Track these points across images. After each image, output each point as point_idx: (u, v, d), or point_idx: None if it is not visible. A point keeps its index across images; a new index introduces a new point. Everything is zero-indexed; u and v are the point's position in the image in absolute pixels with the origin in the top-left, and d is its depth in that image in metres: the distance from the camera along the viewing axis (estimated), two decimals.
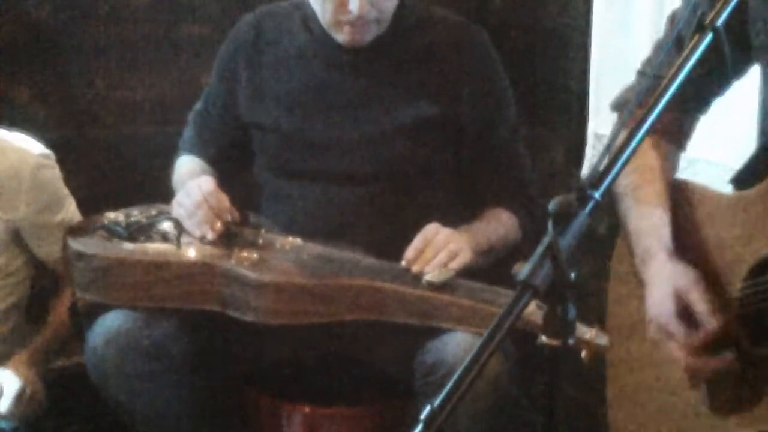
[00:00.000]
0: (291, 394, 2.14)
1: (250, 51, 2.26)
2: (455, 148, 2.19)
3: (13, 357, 2.17)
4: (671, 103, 1.38)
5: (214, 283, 1.99)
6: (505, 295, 1.84)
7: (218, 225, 2.08)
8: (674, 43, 1.62)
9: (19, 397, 2.07)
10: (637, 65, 2.28)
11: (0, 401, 2.06)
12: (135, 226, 2.14)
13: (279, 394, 2.15)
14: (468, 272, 2.02)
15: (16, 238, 2.24)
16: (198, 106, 2.40)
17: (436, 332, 1.95)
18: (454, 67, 2.18)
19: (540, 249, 1.14)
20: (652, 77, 1.68)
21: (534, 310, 1.50)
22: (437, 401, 1.10)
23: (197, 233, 2.09)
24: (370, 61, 2.16)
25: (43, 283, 2.33)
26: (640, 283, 1.66)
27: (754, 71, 2.17)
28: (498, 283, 1.96)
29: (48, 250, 2.25)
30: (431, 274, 1.97)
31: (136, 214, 2.20)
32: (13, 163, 2.20)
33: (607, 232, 2.61)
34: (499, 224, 2.19)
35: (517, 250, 2.19)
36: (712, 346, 1.53)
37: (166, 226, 2.13)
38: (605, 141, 2.46)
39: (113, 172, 2.57)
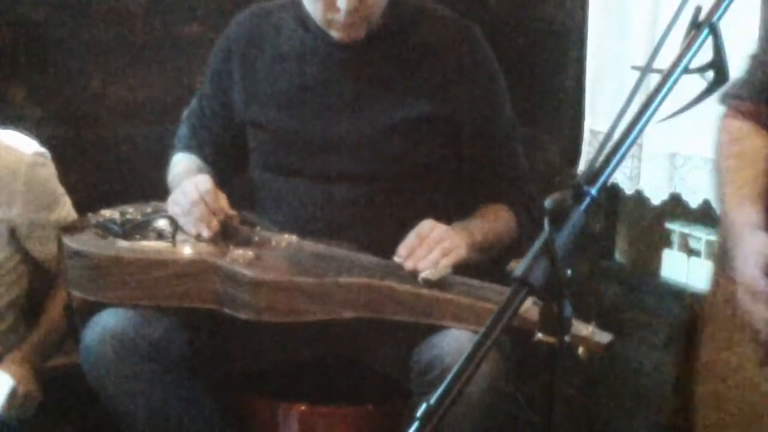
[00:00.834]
0: (287, 394, 2.14)
1: (244, 49, 2.26)
2: (452, 145, 2.19)
3: (6, 356, 2.17)
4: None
5: (209, 281, 1.99)
6: (502, 293, 1.83)
7: (215, 223, 2.08)
8: None
9: (12, 396, 2.07)
10: (633, 62, 2.29)
11: None
12: (130, 224, 2.14)
13: (275, 393, 2.15)
14: (464, 269, 2.02)
15: (12, 236, 2.24)
16: (193, 104, 2.39)
17: (432, 330, 1.95)
18: (450, 63, 2.18)
19: (536, 246, 1.14)
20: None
21: (530, 308, 1.50)
22: (433, 399, 1.10)
23: (193, 231, 2.09)
24: (366, 59, 2.16)
25: (39, 282, 2.33)
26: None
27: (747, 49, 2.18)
28: (494, 281, 1.96)
29: (43, 249, 2.25)
30: (427, 272, 1.96)
31: (132, 212, 2.20)
32: (8, 161, 2.19)
33: (603, 228, 2.62)
34: (496, 221, 2.19)
35: (514, 248, 2.19)
36: None
37: (162, 223, 2.13)
38: (601, 138, 2.47)
39: (109, 170, 2.57)
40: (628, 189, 2.46)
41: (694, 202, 2.34)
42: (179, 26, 2.73)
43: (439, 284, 1.95)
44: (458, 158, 2.22)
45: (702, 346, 1.81)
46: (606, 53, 2.44)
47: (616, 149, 1.21)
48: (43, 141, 2.28)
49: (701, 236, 2.39)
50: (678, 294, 2.43)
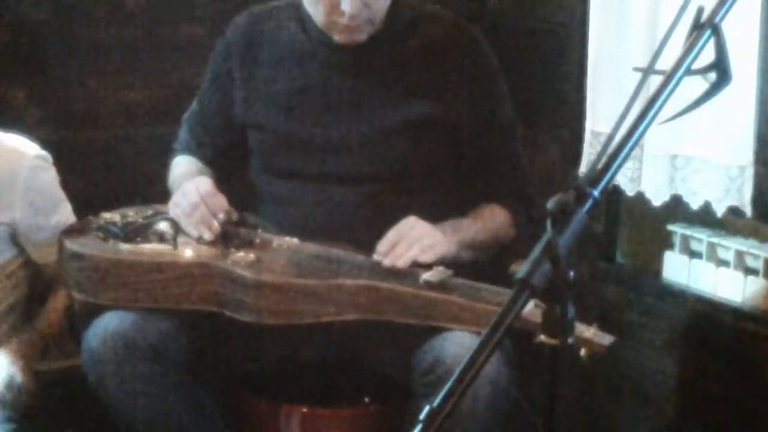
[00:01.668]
0: (289, 395, 2.14)
1: (244, 51, 2.26)
2: (452, 146, 2.20)
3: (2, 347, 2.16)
4: None
5: (210, 283, 1.99)
6: (504, 294, 1.83)
7: (215, 225, 2.08)
8: None
9: (9, 384, 2.06)
10: (634, 63, 2.29)
11: None
12: (131, 227, 2.14)
13: (277, 394, 2.15)
14: (464, 270, 2.02)
15: (13, 240, 2.24)
16: (193, 106, 2.40)
17: (434, 332, 1.95)
18: (450, 65, 2.18)
19: (538, 248, 1.15)
20: None
21: (532, 309, 1.50)
22: (436, 401, 1.11)
23: (194, 233, 2.09)
24: (366, 61, 2.16)
25: (39, 286, 2.33)
26: None
27: (750, 73, 2.18)
28: (496, 282, 1.96)
29: (43, 252, 2.25)
30: (429, 273, 1.97)
31: (132, 214, 2.20)
32: (9, 164, 2.20)
33: (605, 230, 2.62)
34: (489, 220, 2.19)
35: (514, 248, 2.19)
36: None
37: (163, 226, 2.13)
38: (602, 139, 2.47)
39: (109, 173, 2.58)
40: (630, 190, 2.46)
41: (695, 203, 2.34)
42: (179, 27, 2.73)
43: (440, 286, 1.95)
44: (458, 159, 2.22)
45: None
46: (607, 54, 2.44)
47: (618, 151, 1.21)
48: (44, 143, 2.29)
49: (703, 238, 2.39)
50: (679, 296, 2.42)
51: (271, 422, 2.16)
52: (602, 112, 2.48)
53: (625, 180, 2.45)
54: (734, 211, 2.29)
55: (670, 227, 2.47)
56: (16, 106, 2.59)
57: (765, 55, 2.20)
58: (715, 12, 1.27)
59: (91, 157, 2.60)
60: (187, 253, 2.06)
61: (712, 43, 1.27)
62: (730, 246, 2.34)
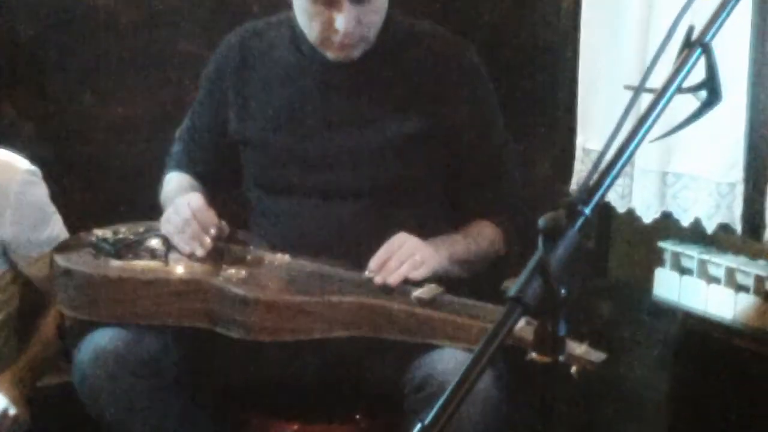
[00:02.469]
0: (280, 411, 2.14)
1: (237, 67, 2.26)
2: (444, 162, 2.20)
3: None
4: None
5: (202, 300, 1.99)
6: (496, 312, 1.83)
7: (207, 241, 2.08)
8: None
9: (3, 418, 2.06)
10: (624, 81, 2.29)
11: None
12: (122, 243, 2.14)
13: (268, 411, 2.14)
14: (456, 286, 2.02)
15: (4, 254, 2.24)
16: (185, 122, 2.40)
17: (425, 348, 1.94)
18: (442, 82, 2.18)
19: (530, 265, 1.15)
20: None
21: (524, 326, 1.50)
22: (428, 419, 1.10)
23: (186, 250, 2.09)
24: (359, 77, 2.16)
25: (31, 301, 2.32)
26: None
27: (740, 91, 2.19)
28: (488, 299, 1.96)
29: (35, 267, 2.24)
30: (420, 290, 1.97)
31: (124, 231, 2.20)
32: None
33: (596, 246, 2.62)
34: (480, 236, 2.19)
35: (506, 265, 2.19)
36: None
37: (154, 242, 2.13)
38: (593, 156, 2.48)
39: (101, 189, 2.57)
40: (620, 207, 2.46)
41: (685, 220, 2.35)
42: (172, 43, 2.73)
43: (432, 303, 1.95)
44: (451, 175, 2.22)
45: None
46: (598, 72, 2.45)
47: (609, 168, 1.21)
48: (35, 159, 2.28)
49: (693, 255, 2.40)
50: (670, 312, 2.43)
51: None
52: (593, 130, 2.49)
53: (615, 197, 2.46)
54: (724, 228, 2.30)
55: (661, 244, 2.47)
56: (8, 121, 2.58)
57: (755, 73, 2.21)
58: (705, 31, 1.27)
59: (83, 172, 2.59)
60: (179, 269, 2.06)
61: (702, 61, 1.27)
62: (720, 263, 2.34)
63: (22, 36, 2.61)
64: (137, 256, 2.10)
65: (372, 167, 2.16)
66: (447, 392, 1.11)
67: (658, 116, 1.24)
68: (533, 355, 1.18)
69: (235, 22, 2.36)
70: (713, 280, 2.36)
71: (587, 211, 1.18)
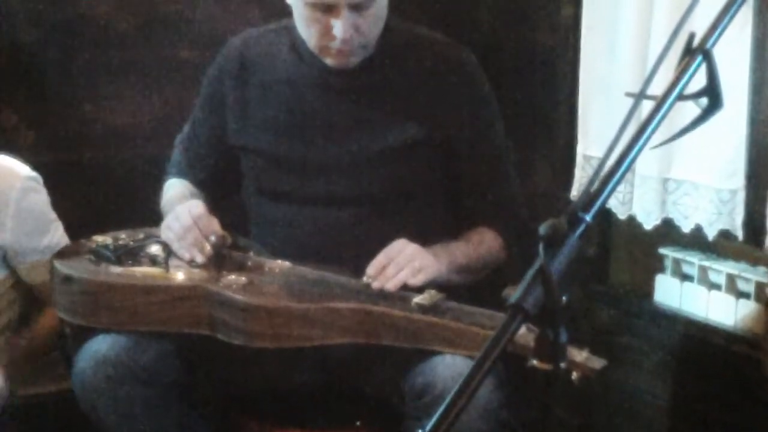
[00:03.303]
0: (280, 418, 2.14)
1: (236, 74, 2.26)
2: (443, 169, 2.20)
3: None
4: None
5: (202, 306, 1.99)
6: (497, 318, 1.83)
7: (208, 248, 2.08)
8: None
9: None
10: (624, 88, 2.30)
11: None
12: (123, 250, 2.14)
13: (268, 417, 2.14)
14: (456, 292, 2.02)
15: (4, 260, 2.24)
16: (185, 129, 2.40)
17: (426, 355, 1.94)
18: (442, 88, 2.18)
19: (531, 272, 1.14)
20: None
21: (525, 333, 1.50)
22: (428, 426, 1.10)
23: (186, 256, 2.09)
24: (358, 84, 2.17)
25: (31, 306, 2.32)
26: None
27: (741, 98, 2.19)
28: (489, 306, 1.96)
29: (35, 273, 2.25)
30: (420, 297, 1.97)
31: (124, 237, 2.20)
32: (0, 185, 2.20)
33: (597, 253, 2.62)
34: (480, 243, 2.19)
35: (507, 272, 2.19)
36: None
37: (155, 249, 2.13)
38: (594, 163, 2.48)
39: (101, 195, 2.58)
40: (621, 214, 2.46)
41: (686, 227, 2.35)
42: (172, 50, 2.74)
43: (433, 309, 1.95)
44: (450, 181, 2.22)
45: None
46: (598, 79, 2.45)
47: (610, 175, 1.21)
48: (36, 166, 2.29)
49: (694, 261, 2.40)
50: (671, 319, 2.43)
51: None
52: (594, 137, 2.49)
53: (616, 203, 2.46)
54: (725, 235, 2.30)
55: (662, 250, 2.47)
56: (9, 128, 2.59)
57: (755, 80, 2.22)
58: (706, 38, 1.27)
59: (83, 179, 2.60)
60: (179, 276, 2.06)
61: (703, 68, 1.27)
62: (721, 269, 2.35)
63: (24, 43, 2.62)
64: (137, 263, 2.11)
65: (372, 173, 2.16)
66: (448, 399, 1.11)
67: (659, 123, 1.24)
68: (534, 362, 1.18)
69: (234, 28, 2.37)
70: (714, 286, 2.37)
71: (588, 218, 1.18)
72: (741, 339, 2.29)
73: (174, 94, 2.64)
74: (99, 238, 2.19)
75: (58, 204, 2.31)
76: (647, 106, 1.26)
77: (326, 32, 2.06)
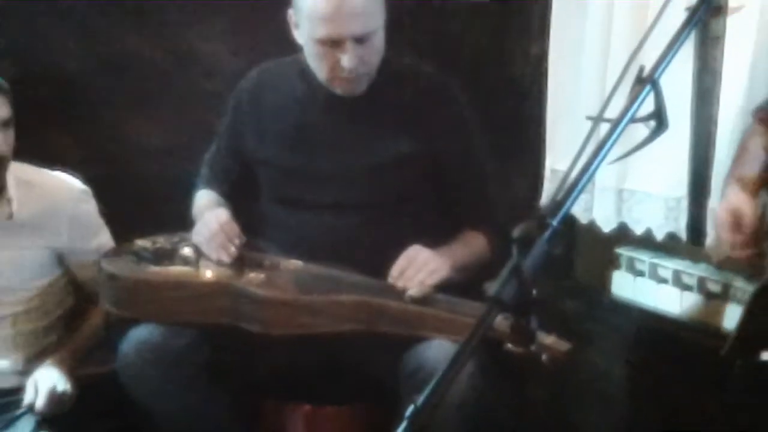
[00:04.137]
0: (292, 396, 2.13)
1: (254, 100, 2.26)
2: (433, 180, 2.19)
3: (48, 359, 2.15)
4: None
5: (226, 299, 1.99)
6: (478, 308, 1.83)
7: (233, 250, 2.08)
8: None
9: (53, 393, 2.05)
10: (586, 111, 2.30)
11: (37, 398, 2.04)
12: (160, 252, 2.14)
13: (284, 394, 2.14)
14: (447, 287, 2.01)
15: (59, 261, 2.24)
16: (212, 148, 2.40)
17: (418, 340, 1.94)
18: (430, 111, 2.18)
19: (506, 269, 1.15)
20: None
21: (501, 321, 1.50)
22: (420, 401, 1.10)
23: (215, 257, 2.09)
24: (359, 108, 2.16)
25: (81, 300, 2.32)
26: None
27: (684, 120, 2.19)
28: (471, 298, 1.96)
29: (85, 272, 2.25)
30: (413, 290, 1.96)
31: (161, 241, 2.20)
32: (56, 197, 2.20)
33: (563, 253, 2.62)
34: (473, 246, 2.19)
35: (489, 269, 2.19)
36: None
37: (187, 251, 2.13)
38: (560, 175, 2.48)
39: (142, 204, 2.57)
40: (583, 219, 2.46)
41: (638, 230, 2.35)
42: (199, 83, 2.74)
43: (424, 301, 1.95)
44: (440, 190, 2.22)
45: None
46: (564, 103, 2.45)
47: (574, 186, 1.21)
48: (85, 180, 2.29)
49: (645, 259, 2.40)
50: (626, 308, 2.43)
51: (279, 419, 2.15)
52: (560, 153, 2.49)
53: (579, 210, 2.46)
54: (672, 236, 2.30)
55: (618, 250, 2.47)
56: (61, 148, 2.59)
57: (696, 103, 2.22)
58: (654, 69, 1.28)
59: (126, 191, 2.60)
60: (208, 274, 2.06)
61: (651, 95, 1.27)
62: (668, 266, 2.35)
63: (75, 75, 2.62)
64: (172, 263, 2.11)
65: (371, 183, 2.15)
66: (436, 378, 1.11)
67: (614, 142, 1.24)
68: (509, 345, 1.18)
69: (251, 63, 2.37)
70: (662, 280, 2.36)
71: (555, 222, 1.18)
72: (685, 326, 2.29)
73: (200, 119, 2.63)
74: (140, 241, 2.19)
75: (104, 212, 2.31)
76: (605, 127, 1.27)
77: (335, 64, 2.05)
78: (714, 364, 2.13)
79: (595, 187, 2.40)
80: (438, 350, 1.88)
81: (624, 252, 2.46)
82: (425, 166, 2.17)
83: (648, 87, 1.26)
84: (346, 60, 2.03)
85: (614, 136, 1.24)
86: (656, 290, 2.37)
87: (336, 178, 2.16)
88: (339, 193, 2.16)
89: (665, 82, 1.28)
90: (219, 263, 2.08)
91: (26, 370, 2.14)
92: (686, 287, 2.31)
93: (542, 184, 2.52)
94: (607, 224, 2.41)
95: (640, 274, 2.42)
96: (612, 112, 1.27)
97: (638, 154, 1.34)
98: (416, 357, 1.92)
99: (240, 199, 2.33)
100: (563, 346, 1.77)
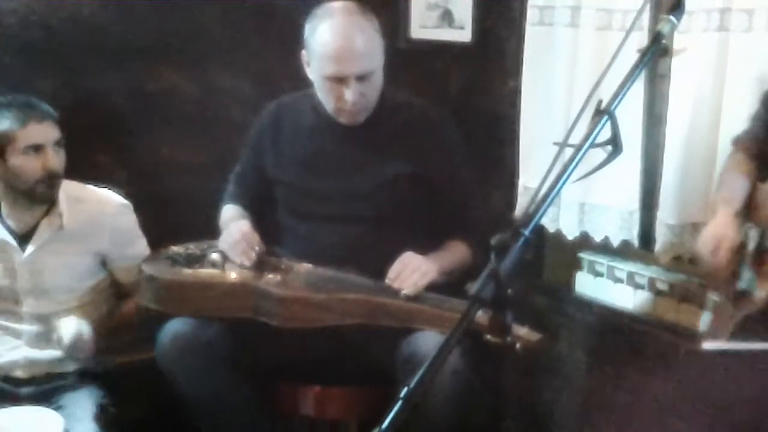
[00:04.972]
0: (304, 379, 2.13)
1: (273, 128, 2.26)
2: (425, 197, 2.19)
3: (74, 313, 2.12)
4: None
5: (248, 298, 1.99)
6: (462, 305, 1.83)
7: (253, 255, 2.08)
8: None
9: (77, 336, 2.03)
10: (554, 138, 2.30)
11: (62, 342, 2.02)
12: (191, 257, 2.14)
13: (296, 378, 2.13)
14: (436, 287, 2.02)
15: (104, 265, 2.24)
16: (236, 168, 2.40)
17: (411, 332, 1.94)
18: (422, 138, 2.18)
19: (485, 272, 1.15)
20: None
21: (482, 315, 1.50)
22: (412, 383, 1.10)
23: (237, 262, 2.09)
24: (361, 135, 2.16)
25: (124, 297, 2.32)
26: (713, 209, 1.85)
27: (636, 144, 2.20)
28: (456, 296, 1.97)
29: (126, 274, 2.25)
30: (407, 290, 1.97)
31: (193, 247, 2.20)
32: (100, 210, 2.20)
33: (534, 257, 2.62)
34: (458, 253, 2.19)
35: (471, 272, 2.19)
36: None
37: (215, 256, 2.13)
38: (531, 192, 2.48)
39: (174, 215, 2.57)
40: (551, 228, 2.46)
41: (598, 237, 2.35)
42: (225, 111, 2.74)
43: (416, 299, 1.96)
44: (430, 206, 2.22)
45: None
46: (534, 132, 2.45)
47: (543, 201, 1.22)
48: (127, 195, 2.29)
49: (603, 262, 2.39)
50: (588, 304, 2.42)
51: (293, 398, 2.15)
52: (531, 173, 2.49)
53: (547, 220, 2.45)
54: (626, 243, 2.30)
55: (580, 254, 2.47)
56: (107, 168, 2.59)
57: (647, 131, 2.23)
58: (610, 102, 1.28)
59: (161, 204, 2.59)
60: (232, 275, 2.06)
61: (608, 125, 1.28)
62: (623, 268, 2.34)
63: (119, 107, 2.62)
64: (202, 266, 2.11)
65: (371, 200, 2.15)
66: (426, 364, 1.12)
67: (577, 164, 1.25)
68: (488, 336, 1.19)
69: (271, 96, 2.37)
70: (618, 280, 2.36)
71: (527, 232, 1.19)
72: (638, 319, 2.28)
73: (226, 143, 2.63)
74: (174, 248, 2.19)
75: (143, 223, 2.31)
76: (569, 151, 1.27)
77: (340, 98, 2.06)
78: (662, 351, 2.14)
79: (561, 202, 2.40)
80: (428, 340, 1.89)
81: (585, 256, 2.46)
82: (417, 185, 2.17)
83: (605, 117, 1.27)
84: (349, 94, 2.04)
85: (577, 159, 1.24)
86: (613, 289, 2.37)
87: (342, 195, 2.16)
88: (345, 207, 2.16)
89: (620, 112, 1.29)
90: (241, 267, 2.08)
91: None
92: (638, 286, 2.31)
93: (516, 199, 2.52)
94: (571, 233, 2.41)
95: (600, 275, 2.42)
96: (575, 138, 1.27)
97: (597, 173, 1.34)
98: (409, 346, 1.92)
99: (260, 211, 2.33)
100: (534, 336, 1.78)
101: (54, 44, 2.48)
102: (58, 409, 2.02)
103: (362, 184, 2.15)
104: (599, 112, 1.27)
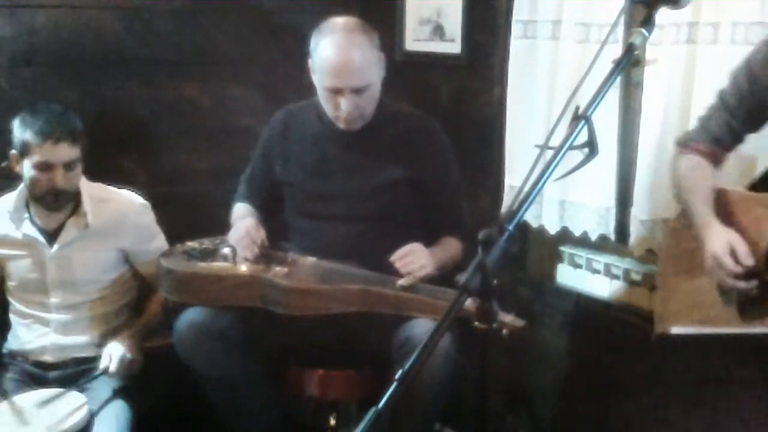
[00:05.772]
0: (309, 362, 2.12)
1: (281, 134, 2.26)
2: (418, 199, 2.19)
3: (118, 335, 2.14)
4: (714, 141, 1.67)
5: (257, 288, 1.98)
6: (452, 294, 1.82)
7: (255, 249, 2.09)
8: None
9: (123, 360, 2.04)
10: (536, 141, 2.29)
11: (110, 364, 2.03)
12: (205, 251, 2.14)
13: (303, 362, 2.13)
14: (430, 279, 2.02)
15: (125, 260, 2.24)
16: (247, 170, 2.40)
17: (407, 319, 1.94)
18: (415, 144, 2.18)
19: (473, 264, 1.14)
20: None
21: (470, 304, 1.49)
22: (407, 365, 1.10)
23: (241, 255, 2.09)
24: (360, 142, 2.16)
25: (144, 290, 2.31)
26: (694, 238, 1.71)
27: (612, 146, 2.19)
28: (447, 286, 1.96)
29: (146, 267, 2.25)
30: (403, 281, 1.96)
31: (206, 242, 2.20)
32: (122, 209, 2.20)
33: (518, 250, 2.62)
34: (449, 248, 2.19)
35: (460, 266, 2.18)
36: (746, 275, 1.60)
37: (227, 250, 2.13)
38: (516, 190, 2.47)
39: (190, 214, 2.57)
40: (534, 224, 2.46)
41: (577, 232, 2.34)
42: (236, 119, 2.74)
43: (411, 289, 1.96)
44: (423, 206, 2.22)
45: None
46: (518, 135, 2.45)
47: (526, 199, 1.21)
48: (147, 196, 2.29)
49: (582, 255, 2.39)
50: (568, 294, 2.42)
51: (300, 380, 2.14)
52: (516, 173, 2.49)
53: (530, 217, 2.45)
54: (603, 237, 2.30)
55: (561, 248, 2.47)
56: (129, 171, 2.59)
57: (622, 134, 2.22)
58: (587, 108, 1.27)
59: (178, 204, 2.59)
60: (243, 268, 2.06)
61: (585, 129, 1.27)
62: (600, 260, 2.34)
63: (140, 116, 2.62)
64: (215, 260, 2.10)
65: (370, 201, 2.15)
66: (419, 348, 1.11)
67: (557, 164, 1.24)
68: (476, 323, 1.18)
69: (279, 105, 2.37)
70: (596, 271, 2.36)
71: (511, 227, 1.18)
72: (613, 307, 2.28)
73: (238, 148, 2.63)
74: (189, 243, 2.19)
75: (161, 221, 2.30)
76: (550, 153, 1.26)
77: (337, 107, 2.06)
78: (636, 336, 2.14)
79: (543, 199, 2.40)
80: (422, 327, 1.89)
81: (566, 249, 2.45)
82: (413, 187, 2.17)
83: (583, 122, 1.26)
84: (345, 105, 2.04)
85: (557, 160, 1.23)
86: (591, 279, 2.36)
87: (344, 196, 2.16)
88: (347, 207, 2.15)
89: (597, 117, 1.27)
90: (246, 259, 2.08)
91: (100, 344, 2.14)
92: (614, 277, 2.30)
93: (502, 197, 2.51)
94: (552, 228, 2.41)
95: (579, 266, 2.41)
96: (555, 141, 1.26)
97: (576, 173, 1.33)
98: (405, 332, 1.92)
99: (269, 210, 2.34)
100: (519, 322, 1.77)
101: (82, 58, 2.49)
102: (83, 391, 2.01)
103: (363, 186, 2.15)
104: (577, 117, 1.26)
